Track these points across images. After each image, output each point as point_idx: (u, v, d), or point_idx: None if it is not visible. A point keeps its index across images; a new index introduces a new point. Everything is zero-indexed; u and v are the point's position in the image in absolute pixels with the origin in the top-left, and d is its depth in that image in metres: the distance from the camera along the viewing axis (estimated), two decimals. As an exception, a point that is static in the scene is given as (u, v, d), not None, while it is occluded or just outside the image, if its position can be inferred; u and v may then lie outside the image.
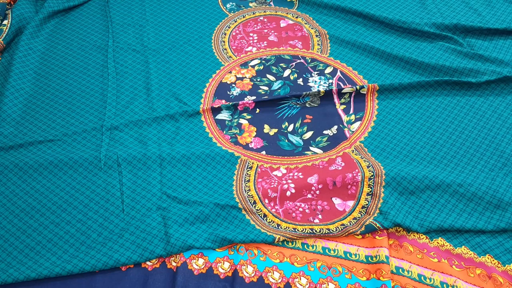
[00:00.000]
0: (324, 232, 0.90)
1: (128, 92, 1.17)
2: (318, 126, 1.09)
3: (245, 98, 1.15)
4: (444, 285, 0.83)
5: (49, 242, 0.89)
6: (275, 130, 1.09)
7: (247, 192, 0.96)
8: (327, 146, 1.05)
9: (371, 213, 0.91)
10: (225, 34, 1.32)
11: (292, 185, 0.96)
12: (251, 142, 1.07)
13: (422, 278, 0.84)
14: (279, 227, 0.91)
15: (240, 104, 1.12)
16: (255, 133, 1.08)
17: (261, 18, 1.36)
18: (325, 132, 1.08)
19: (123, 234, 0.90)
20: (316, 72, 1.20)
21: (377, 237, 0.89)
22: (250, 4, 1.41)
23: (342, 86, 1.15)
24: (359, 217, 0.92)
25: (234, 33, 1.32)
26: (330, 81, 1.18)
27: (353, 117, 1.10)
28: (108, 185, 0.98)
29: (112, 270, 0.86)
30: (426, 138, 1.05)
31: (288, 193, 0.96)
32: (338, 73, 1.20)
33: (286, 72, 1.21)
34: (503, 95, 1.12)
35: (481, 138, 1.05)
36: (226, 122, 1.11)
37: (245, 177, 0.99)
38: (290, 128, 1.09)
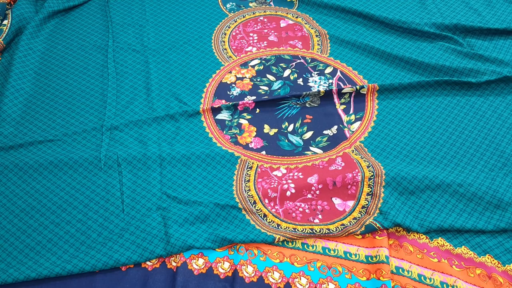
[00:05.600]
0: (324, 232, 0.90)
1: (128, 92, 1.17)
2: (318, 126, 1.09)
3: (245, 98, 1.15)
4: (444, 285, 0.83)
5: (49, 242, 0.89)
6: (275, 130, 1.09)
7: (247, 192, 0.96)
8: (327, 146, 1.05)
9: (371, 213, 0.91)
10: (225, 34, 1.32)
11: (292, 185, 0.96)
12: (251, 142, 1.07)
13: (422, 278, 0.84)
14: (279, 227, 0.91)
15: (240, 104, 1.12)
16: (255, 133, 1.08)
17: (261, 18, 1.36)
18: (325, 132, 1.08)
19: (123, 234, 0.90)
20: (316, 72, 1.20)
21: (377, 237, 0.89)
22: (250, 4, 1.41)
23: (342, 86, 1.15)
24: (359, 217, 0.92)
25: (234, 33, 1.32)
26: (330, 81, 1.18)
27: (353, 117, 1.10)
28: (108, 185, 0.98)
29: (112, 270, 0.86)
30: (426, 138, 1.05)
31: (288, 193, 0.96)
32: (338, 73, 1.20)
33: (286, 72, 1.21)
34: (503, 95, 1.12)
35: (481, 138, 1.05)
36: (226, 122, 1.11)
37: (245, 177, 0.99)
38: (290, 128, 1.09)
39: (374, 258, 0.86)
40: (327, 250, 0.88)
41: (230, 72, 1.21)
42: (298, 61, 1.24)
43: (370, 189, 0.94)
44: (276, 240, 0.88)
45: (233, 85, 1.18)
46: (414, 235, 0.90)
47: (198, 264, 0.86)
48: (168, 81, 1.19)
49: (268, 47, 1.28)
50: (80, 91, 1.17)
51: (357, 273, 0.85)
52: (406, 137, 1.06)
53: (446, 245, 0.89)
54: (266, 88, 1.18)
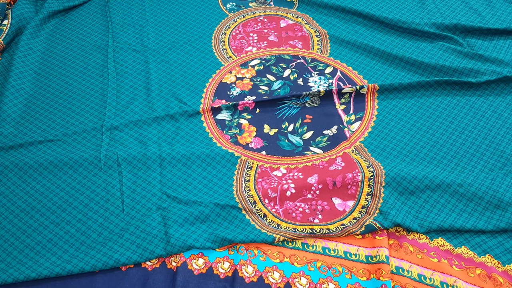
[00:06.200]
0: (324, 232, 0.90)
1: (128, 92, 1.17)
2: (318, 126, 1.09)
3: (245, 98, 1.15)
4: (444, 285, 0.83)
5: (49, 242, 0.89)
6: (275, 130, 1.09)
7: (247, 192, 0.96)
8: (327, 146, 1.05)
9: (371, 213, 0.91)
10: (225, 34, 1.32)
11: (292, 185, 0.96)
12: (251, 142, 1.07)
13: (422, 278, 0.84)
14: (279, 227, 0.91)
15: (240, 104, 1.12)
16: (255, 133, 1.08)
17: (261, 18, 1.36)
18: (325, 132, 1.08)
19: (123, 234, 0.90)
20: (316, 72, 1.20)
21: (377, 237, 0.89)
22: (250, 4, 1.41)
23: (342, 86, 1.15)
24: (359, 217, 0.92)
25: (234, 33, 1.32)
26: (330, 81, 1.18)
27: (353, 117, 1.10)
28: (108, 185, 0.98)
29: (112, 270, 0.86)
30: (426, 138, 1.05)
31: (288, 193, 0.96)
32: (338, 73, 1.20)
33: (286, 72, 1.21)
34: (503, 95, 1.12)
35: (481, 138, 1.05)
36: (226, 122, 1.11)
37: (245, 177, 0.99)
38: (290, 128, 1.09)
39: (374, 258, 0.86)
40: (327, 250, 0.88)
41: (230, 72, 1.21)
42: (298, 61, 1.24)
43: (370, 189, 0.94)
44: (276, 240, 0.88)
45: (233, 85, 1.18)
46: (414, 235, 0.90)
47: (198, 264, 0.86)
48: (168, 81, 1.19)
49: (268, 47, 1.28)
50: (80, 91, 1.17)
51: (357, 273, 0.85)
52: (406, 137, 1.06)
53: (446, 245, 0.89)
54: (266, 88, 1.18)
